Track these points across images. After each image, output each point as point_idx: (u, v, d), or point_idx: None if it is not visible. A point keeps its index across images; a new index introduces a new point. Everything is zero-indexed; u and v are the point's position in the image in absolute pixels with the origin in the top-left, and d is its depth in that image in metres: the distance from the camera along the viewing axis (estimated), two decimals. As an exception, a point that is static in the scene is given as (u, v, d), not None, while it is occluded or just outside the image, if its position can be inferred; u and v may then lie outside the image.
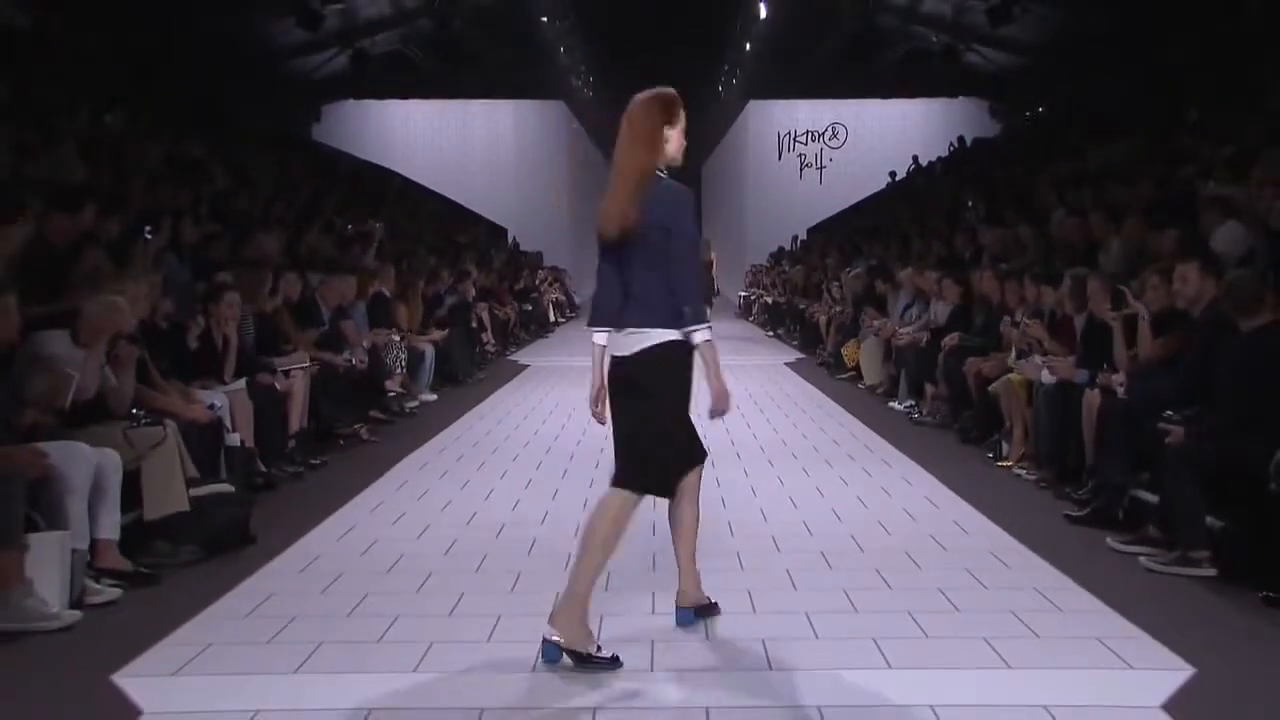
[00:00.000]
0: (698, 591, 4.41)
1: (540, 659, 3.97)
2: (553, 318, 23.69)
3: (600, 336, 4.10)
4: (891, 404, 10.95)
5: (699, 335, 3.95)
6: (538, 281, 24.29)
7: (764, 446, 8.78)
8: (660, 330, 3.94)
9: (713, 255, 26.64)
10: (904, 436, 9.17)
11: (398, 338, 11.17)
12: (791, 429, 9.65)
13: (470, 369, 13.64)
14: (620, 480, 4.02)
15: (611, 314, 4.05)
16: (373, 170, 25.57)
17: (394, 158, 28.29)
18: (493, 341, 16.58)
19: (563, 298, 26.13)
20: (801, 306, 19.08)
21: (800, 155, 32.43)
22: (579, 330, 22.70)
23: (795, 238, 27.99)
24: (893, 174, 27.55)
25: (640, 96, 4.04)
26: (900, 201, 23.76)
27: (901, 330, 11.42)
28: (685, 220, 3.97)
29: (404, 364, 11.11)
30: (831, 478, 7.53)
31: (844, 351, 13.47)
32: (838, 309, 15.34)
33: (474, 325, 15.36)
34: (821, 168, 32.25)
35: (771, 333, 21.52)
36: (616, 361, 4.05)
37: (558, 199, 31.64)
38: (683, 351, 3.96)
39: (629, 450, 4.05)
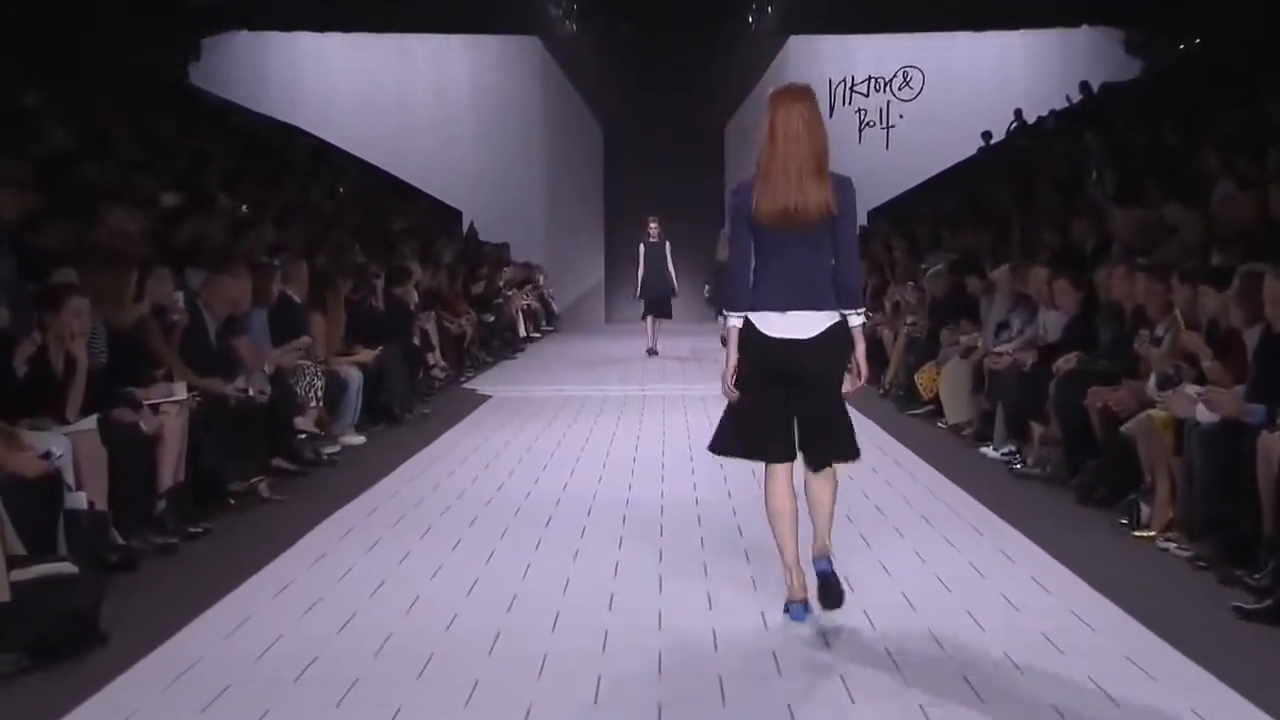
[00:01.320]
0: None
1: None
2: (523, 332, 23.71)
3: (736, 319, 5.84)
4: (984, 449, 10.97)
5: (856, 319, 5.88)
6: (503, 283, 24.29)
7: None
8: (831, 313, 5.78)
9: None
10: (1002, 494, 9.19)
11: (312, 360, 11.17)
12: (847, 483, 9.52)
13: (411, 401, 13.67)
14: (839, 457, 6.11)
15: (778, 296, 5.73)
16: (275, 128, 25.60)
17: (304, 112, 28.26)
18: (442, 364, 16.59)
19: (536, 305, 26.13)
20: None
21: (859, 110, 32.42)
22: (556, 348, 22.77)
23: (853, 222, 28.08)
24: (987, 135, 27.60)
25: (798, 86, 5.90)
26: (998, 173, 23.81)
27: (998, 349, 11.43)
28: (854, 207, 5.81)
29: (320, 394, 11.12)
30: (903, 550, 7.54)
31: (919, 378, 13.50)
32: (910, 321, 15.35)
33: (416, 342, 15.37)
34: (889, 126, 32.24)
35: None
36: (790, 344, 5.78)
37: (530, 171, 31.63)
38: (846, 332, 5.86)
39: (837, 425, 6.11)
